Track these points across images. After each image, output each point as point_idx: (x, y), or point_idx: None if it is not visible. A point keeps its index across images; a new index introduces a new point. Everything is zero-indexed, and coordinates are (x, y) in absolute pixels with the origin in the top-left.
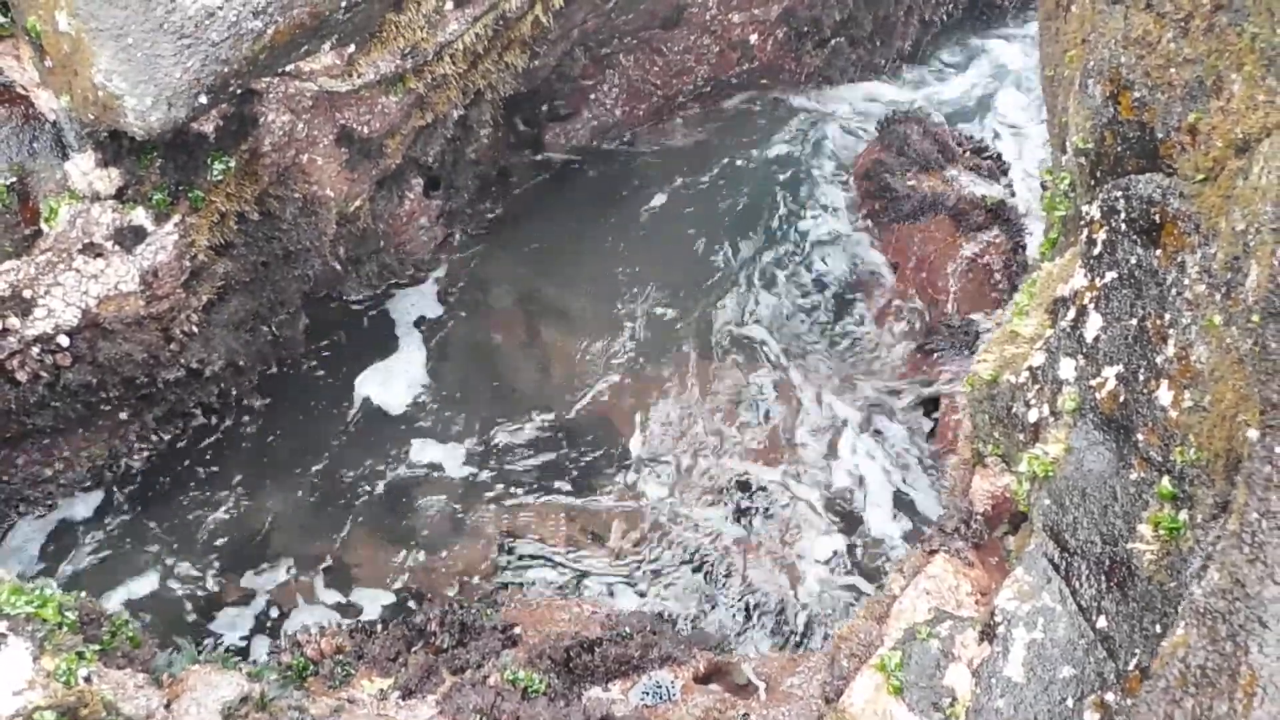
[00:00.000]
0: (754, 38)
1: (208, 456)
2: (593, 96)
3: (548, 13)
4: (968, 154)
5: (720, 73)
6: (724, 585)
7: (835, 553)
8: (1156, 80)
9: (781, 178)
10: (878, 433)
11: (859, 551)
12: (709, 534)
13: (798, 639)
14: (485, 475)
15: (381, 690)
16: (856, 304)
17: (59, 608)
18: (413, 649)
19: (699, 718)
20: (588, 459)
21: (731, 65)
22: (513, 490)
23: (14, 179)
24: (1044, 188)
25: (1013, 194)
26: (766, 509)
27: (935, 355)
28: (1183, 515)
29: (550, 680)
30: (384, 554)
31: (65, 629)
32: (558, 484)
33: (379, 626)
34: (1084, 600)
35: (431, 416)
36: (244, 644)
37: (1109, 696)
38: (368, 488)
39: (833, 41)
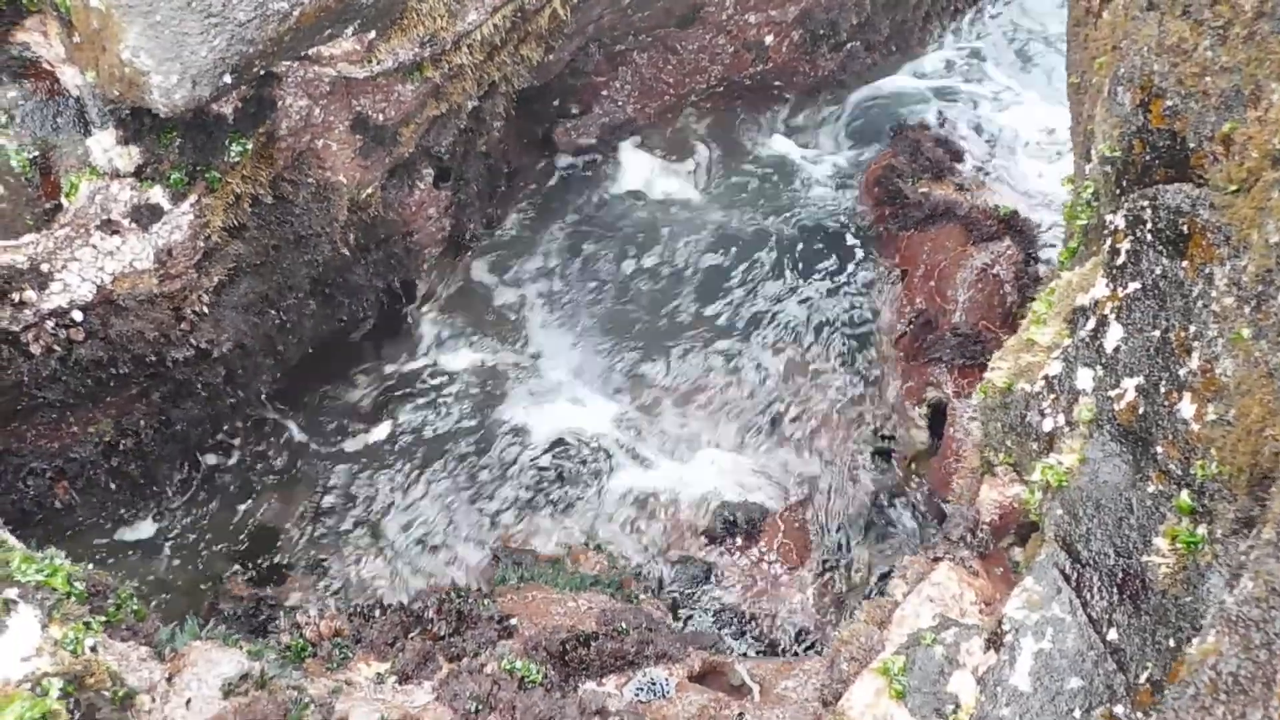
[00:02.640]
0: (769, 39)
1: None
2: (604, 93)
3: (565, 6)
4: (979, 161)
5: (733, 73)
6: (713, 597)
7: (825, 568)
8: (1190, 89)
9: (790, 182)
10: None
11: (845, 569)
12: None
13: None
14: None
15: (379, 674)
16: (860, 310)
17: (68, 578)
18: (410, 635)
19: (693, 715)
20: (584, 475)
21: (746, 66)
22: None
23: (37, 153)
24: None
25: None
26: (754, 524)
27: (941, 365)
28: (1201, 530)
29: (546, 671)
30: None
31: (73, 599)
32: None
33: (377, 612)
34: (1095, 612)
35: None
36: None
37: (1118, 709)
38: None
39: (849, 45)
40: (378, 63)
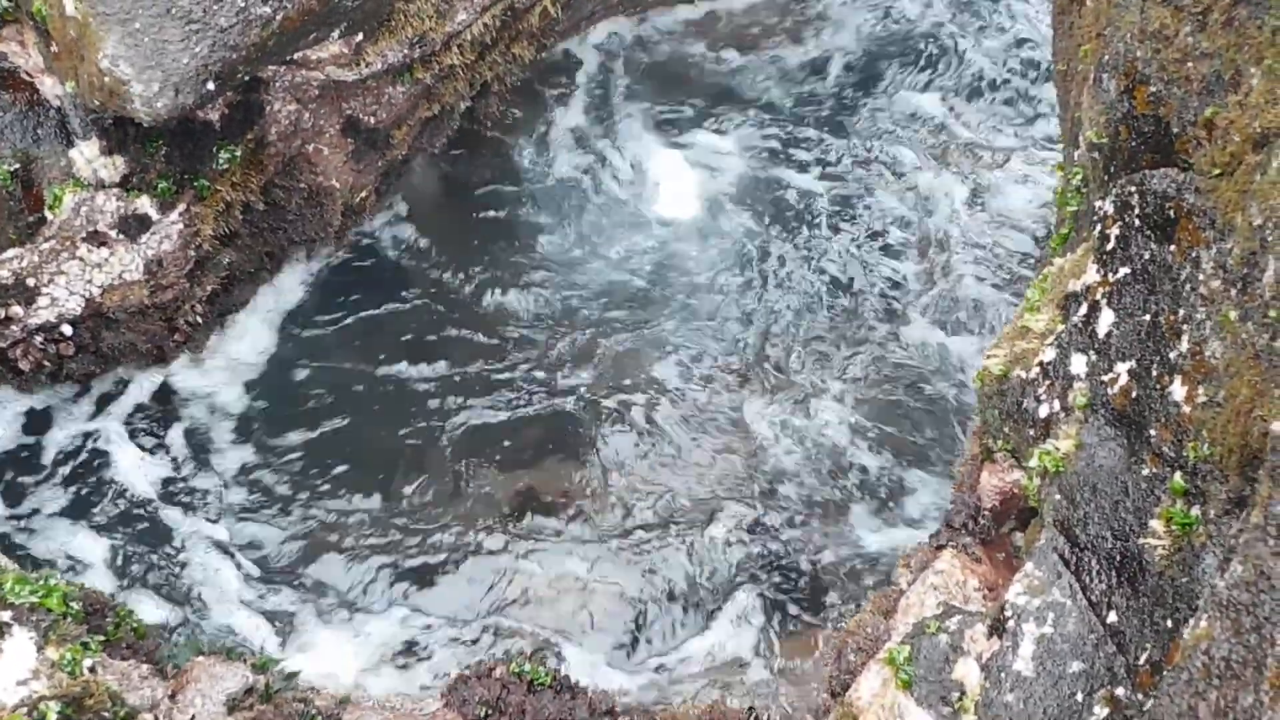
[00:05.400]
0: None
1: None
2: None
3: (556, 4)
4: None
5: None
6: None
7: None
8: (1173, 74)
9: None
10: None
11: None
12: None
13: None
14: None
15: None
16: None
17: (63, 598)
18: None
19: (702, 713)
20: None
21: None
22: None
23: (18, 165)
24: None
25: None
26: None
27: None
28: (1195, 511)
29: (555, 673)
30: None
31: (70, 619)
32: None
33: None
34: (1094, 595)
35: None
36: None
37: (1119, 691)
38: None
39: None
40: (366, 65)
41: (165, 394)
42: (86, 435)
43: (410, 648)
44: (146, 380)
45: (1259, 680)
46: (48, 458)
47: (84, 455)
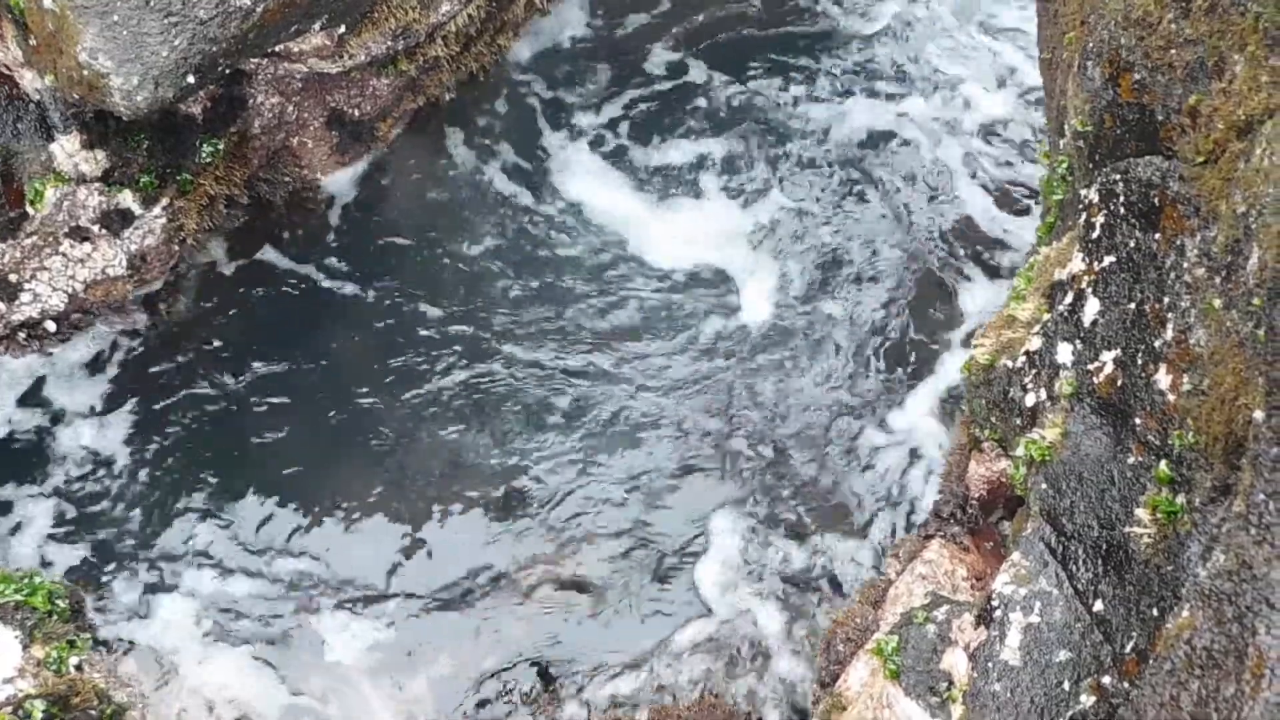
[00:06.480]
0: None
1: None
2: None
3: None
4: None
5: None
6: None
7: None
8: (1157, 62)
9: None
10: None
11: None
12: None
13: None
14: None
15: None
16: None
17: (49, 596)
18: None
19: (694, 702)
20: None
21: None
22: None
23: None
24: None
25: None
26: None
27: None
28: (1180, 499)
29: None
30: None
31: (55, 617)
32: None
33: None
34: (1081, 584)
35: None
36: None
37: (1106, 680)
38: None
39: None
40: (349, 57)
41: None
42: None
43: None
44: None
45: (1240, 670)
46: None
47: None
